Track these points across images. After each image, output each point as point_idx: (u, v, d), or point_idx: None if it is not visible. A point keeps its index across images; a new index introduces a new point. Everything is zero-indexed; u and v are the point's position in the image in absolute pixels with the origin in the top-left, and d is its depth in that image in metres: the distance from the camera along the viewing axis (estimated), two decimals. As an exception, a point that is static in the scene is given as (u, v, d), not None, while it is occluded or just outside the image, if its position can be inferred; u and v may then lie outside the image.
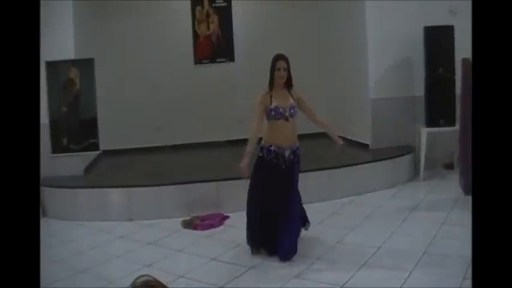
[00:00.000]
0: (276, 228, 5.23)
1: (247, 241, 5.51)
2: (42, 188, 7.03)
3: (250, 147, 5.15)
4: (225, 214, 6.76)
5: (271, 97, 5.24)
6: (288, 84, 5.35)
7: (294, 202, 5.38)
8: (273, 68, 5.26)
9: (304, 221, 5.71)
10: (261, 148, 5.30)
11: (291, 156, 5.29)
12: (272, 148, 5.23)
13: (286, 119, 5.22)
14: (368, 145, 8.96)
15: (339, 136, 5.64)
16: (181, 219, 6.68)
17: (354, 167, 7.78)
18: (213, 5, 11.18)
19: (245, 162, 5.11)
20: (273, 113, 5.18)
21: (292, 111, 5.24)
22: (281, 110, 5.19)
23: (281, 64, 5.24)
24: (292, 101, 5.28)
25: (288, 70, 5.29)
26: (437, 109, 8.16)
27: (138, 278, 2.16)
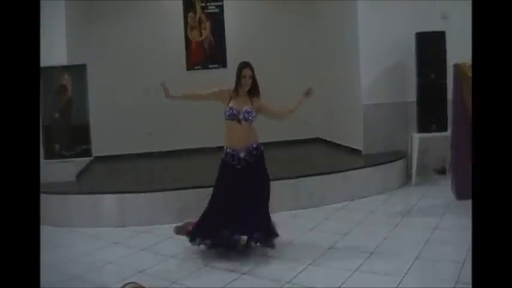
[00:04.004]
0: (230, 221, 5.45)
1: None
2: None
3: (178, 94, 6.00)
4: (218, 220, 6.75)
5: (231, 98, 5.55)
6: (252, 91, 5.59)
7: (250, 203, 5.48)
8: (239, 75, 5.53)
9: (269, 236, 5.62)
10: (223, 152, 5.64)
11: (247, 157, 5.49)
12: (228, 150, 5.56)
13: (239, 122, 5.46)
14: (360, 151, 8.98)
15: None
16: (174, 225, 6.66)
17: (346, 172, 7.79)
18: (206, 11, 11.20)
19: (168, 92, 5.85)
20: (227, 113, 5.49)
21: (246, 115, 5.46)
22: (235, 111, 5.46)
23: (247, 72, 5.52)
24: (249, 107, 5.50)
25: (253, 78, 5.55)
26: (429, 114, 8.20)
27: (125, 285, 2.17)
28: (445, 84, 8.10)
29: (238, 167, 5.49)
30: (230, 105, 5.50)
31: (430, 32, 8.22)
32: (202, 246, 5.66)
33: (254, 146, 5.55)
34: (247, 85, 5.51)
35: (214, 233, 5.48)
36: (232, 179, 5.52)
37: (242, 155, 5.48)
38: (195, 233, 5.64)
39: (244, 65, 5.55)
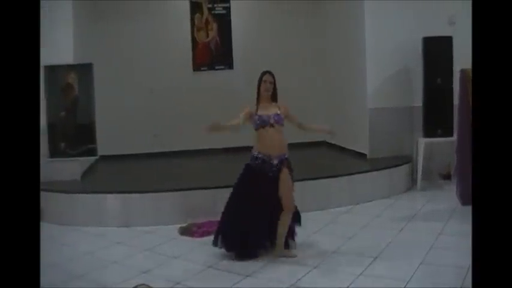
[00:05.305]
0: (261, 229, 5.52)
1: (223, 245, 5.59)
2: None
3: (227, 125, 5.56)
4: (222, 221, 6.74)
5: (257, 109, 5.54)
6: (273, 98, 5.64)
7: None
8: (260, 81, 5.59)
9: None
10: (251, 157, 5.55)
11: (279, 165, 5.45)
12: (260, 156, 5.45)
13: (272, 126, 5.46)
14: (366, 155, 8.97)
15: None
16: (179, 226, 6.67)
17: (352, 176, 7.79)
18: (212, 12, 11.20)
19: (213, 126, 5.43)
20: (258, 121, 5.45)
21: (276, 118, 5.48)
22: (265, 117, 5.46)
23: (267, 77, 5.58)
24: (277, 110, 5.54)
25: (274, 84, 5.61)
26: (435, 119, 8.19)
27: (135, 287, 2.16)
28: (452, 89, 8.10)
29: (270, 174, 5.43)
30: (258, 113, 5.49)
31: (437, 37, 8.21)
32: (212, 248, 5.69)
33: (286, 155, 5.55)
34: (269, 90, 5.56)
35: (243, 240, 5.47)
36: (264, 186, 5.43)
37: (275, 162, 5.43)
38: (221, 240, 5.59)
39: (266, 72, 5.61)
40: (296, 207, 5.70)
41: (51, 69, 7.70)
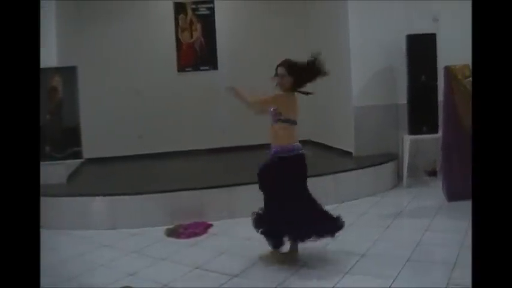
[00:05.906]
0: None
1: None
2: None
3: None
4: (209, 222, 6.74)
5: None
6: None
7: None
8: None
9: None
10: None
11: None
12: None
13: None
14: (351, 153, 8.99)
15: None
16: (165, 227, 6.65)
17: (337, 174, 7.80)
18: (196, 13, 11.19)
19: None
20: None
21: None
22: None
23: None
24: None
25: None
26: (420, 117, 8.22)
27: (122, 288, 2.17)
28: (436, 86, 8.13)
29: None
30: None
31: (421, 35, 8.24)
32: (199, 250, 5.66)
33: None
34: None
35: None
36: None
37: None
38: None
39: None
40: None
41: (35, 72, 7.65)
